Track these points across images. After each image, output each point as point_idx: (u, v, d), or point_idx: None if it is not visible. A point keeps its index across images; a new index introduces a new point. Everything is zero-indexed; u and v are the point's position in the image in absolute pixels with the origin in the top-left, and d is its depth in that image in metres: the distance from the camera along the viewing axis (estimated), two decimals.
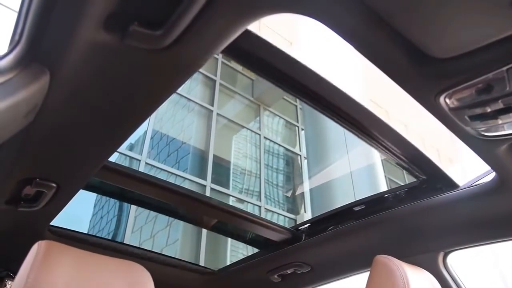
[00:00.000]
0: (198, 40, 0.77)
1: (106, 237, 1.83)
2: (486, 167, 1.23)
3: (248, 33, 0.94)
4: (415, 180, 1.53)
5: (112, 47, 0.76)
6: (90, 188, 1.86)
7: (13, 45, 0.78)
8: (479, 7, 0.62)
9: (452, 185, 1.44)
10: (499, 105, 0.80)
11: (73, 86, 0.85)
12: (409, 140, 1.35)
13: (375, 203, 1.67)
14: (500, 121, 0.86)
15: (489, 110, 0.82)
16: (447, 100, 0.83)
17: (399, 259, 1.30)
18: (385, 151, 1.38)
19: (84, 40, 0.73)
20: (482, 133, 0.94)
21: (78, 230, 1.80)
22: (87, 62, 0.79)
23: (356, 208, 1.72)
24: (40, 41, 0.77)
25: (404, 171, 1.52)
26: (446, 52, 0.72)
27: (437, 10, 0.64)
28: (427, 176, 1.48)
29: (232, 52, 1.03)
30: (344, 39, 0.77)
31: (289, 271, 1.95)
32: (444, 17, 0.65)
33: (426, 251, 1.57)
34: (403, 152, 1.39)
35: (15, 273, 1.67)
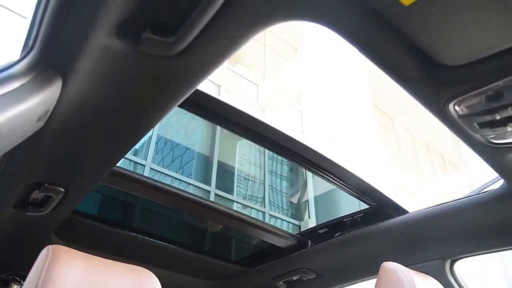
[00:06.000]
0: (209, 47, 0.78)
1: (113, 241, 1.83)
2: (494, 174, 1.23)
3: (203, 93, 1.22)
4: (369, 206, 1.76)
5: (124, 54, 0.77)
6: (96, 192, 1.87)
7: (26, 51, 0.79)
8: (489, 15, 0.62)
9: (400, 210, 1.65)
10: (509, 112, 0.80)
11: (84, 91, 0.86)
12: (358, 174, 1.61)
13: (336, 226, 1.87)
14: (509, 129, 0.85)
15: (498, 117, 0.82)
16: (457, 107, 0.83)
17: (406, 266, 1.30)
18: (337, 184, 1.63)
19: (97, 47, 0.74)
20: (491, 140, 0.93)
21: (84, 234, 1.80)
22: (99, 68, 0.80)
23: (320, 231, 1.92)
24: (53, 48, 0.78)
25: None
26: (456, 59, 0.72)
27: (448, 17, 0.64)
28: (377, 203, 1.71)
29: (191, 107, 1.26)
30: (354, 45, 0.78)
31: (294, 278, 1.94)
32: (454, 25, 0.65)
33: (433, 258, 1.56)
34: (353, 185, 1.64)
35: (21, 277, 1.69)
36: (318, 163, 1.55)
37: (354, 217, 1.80)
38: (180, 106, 1.04)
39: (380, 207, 1.70)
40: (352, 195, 1.69)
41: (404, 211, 1.63)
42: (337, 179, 1.61)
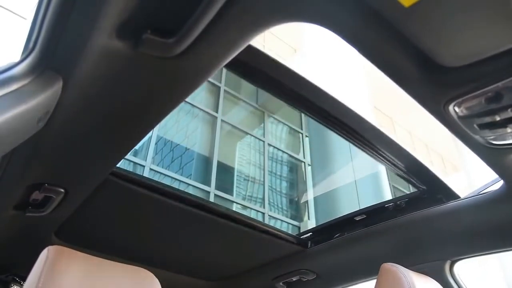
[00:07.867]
0: (209, 48, 0.78)
1: (112, 241, 1.82)
2: (494, 175, 1.23)
3: (251, 48, 0.99)
4: (416, 190, 1.57)
5: (124, 55, 0.77)
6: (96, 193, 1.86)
7: (27, 52, 0.79)
8: (489, 16, 0.63)
9: (452, 195, 1.48)
10: (509, 113, 0.80)
11: (85, 92, 0.86)
12: (409, 151, 1.39)
13: (376, 212, 1.69)
14: (509, 130, 0.86)
15: (498, 118, 0.82)
16: (456, 109, 0.83)
17: (406, 267, 1.30)
18: (385, 161, 1.43)
19: (97, 48, 0.74)
20: (491, 141, 0.94)
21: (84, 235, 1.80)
22: (100, 69, 0.80)
23: (357, 218, 1.75)
24: (54, 49, 0.78)
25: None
26: (457, 60, 0.72)
27: (448, 19, 0.64)
28: (427, 186, 1.52)
29: (237, 67, 1.09)
30: (354, 46, 0.78)
31: (294, 279, 1.94)
32: (455, 26, 0.65)
33: (433, 259, 1.56)
34: (402, 163, 1.43)
35: (21, 278, 1.69)
36: (365, 135, 1.33)
37: (398, 203, 1.61)
38: (228, 67, 0.92)
39: (429, 191, 1.52)
40: (400, 176, 1.50)
41: (456, 196, 1.47)
42: (386, 156, 1.39)
